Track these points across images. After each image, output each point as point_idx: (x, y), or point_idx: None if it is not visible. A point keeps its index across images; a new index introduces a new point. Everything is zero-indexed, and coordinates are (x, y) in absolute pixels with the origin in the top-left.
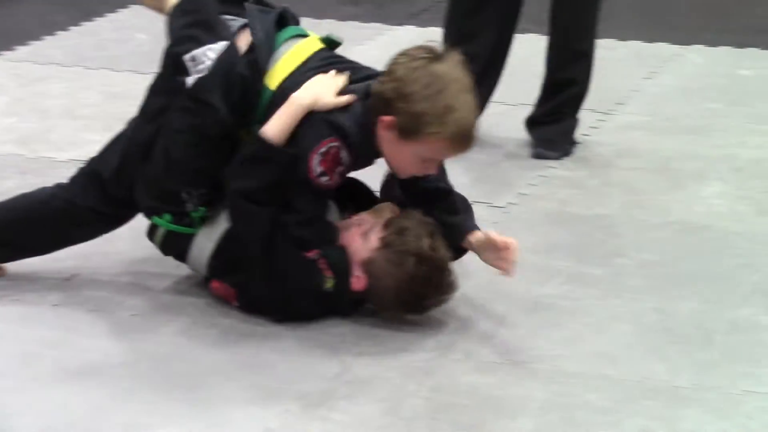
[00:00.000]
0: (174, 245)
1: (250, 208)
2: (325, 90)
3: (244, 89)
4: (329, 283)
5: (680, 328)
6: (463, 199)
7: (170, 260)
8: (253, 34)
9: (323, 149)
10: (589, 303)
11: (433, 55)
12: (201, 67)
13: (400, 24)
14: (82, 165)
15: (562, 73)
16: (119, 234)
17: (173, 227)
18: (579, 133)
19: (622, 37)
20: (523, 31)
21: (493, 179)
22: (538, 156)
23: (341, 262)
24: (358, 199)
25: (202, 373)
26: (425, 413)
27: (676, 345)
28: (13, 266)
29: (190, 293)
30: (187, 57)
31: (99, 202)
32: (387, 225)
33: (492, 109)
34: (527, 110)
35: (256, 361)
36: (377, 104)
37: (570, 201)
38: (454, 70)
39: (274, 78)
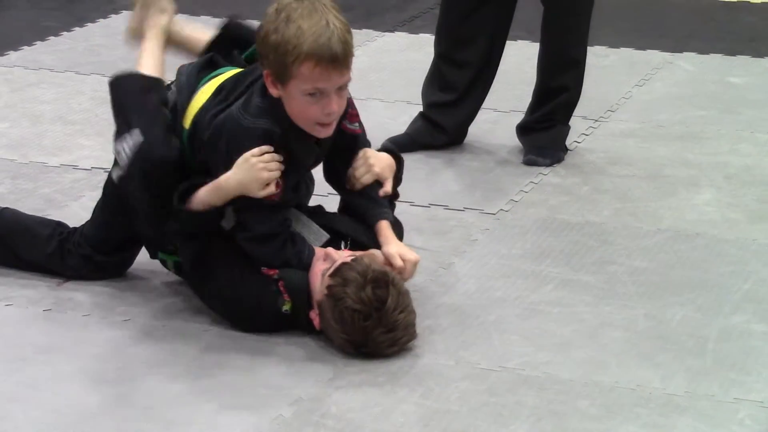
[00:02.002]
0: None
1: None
2: (253, 183)
3: (163, 171)
4: (286, 306)
5: (672, 336)
6: (395, 222)
7: (162, 266)
8: (177, 80)
9: None
10: (580, 309)
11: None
12: (122, 162)
13: (392, 30)
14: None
15: (553, 81)
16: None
17: (176, 258)
18: (570, 140)
19: (614, 45)
20: (515, 38)
21: (485, 186)
22: (529, 163)
23: (300, 287)
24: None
25: (195, 378)
26: (417, 419)
27: (668, 352)
28: (5, 272)
29: (182, 298)
30: (115, 152)
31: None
32: (335, 273)
33: (483, 116)
34: (519, 117)
35: (249, 366)
36: (261, 65)
37: (561, 208)
38: (303, 0)
39: (188, 116)
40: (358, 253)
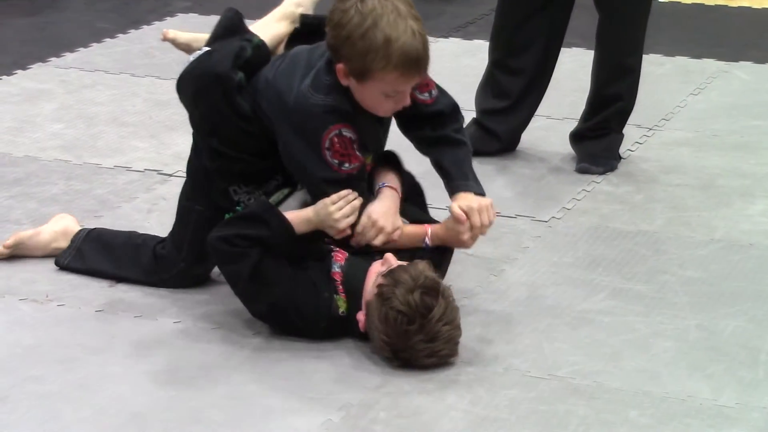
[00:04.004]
0: None
1: (232, 251)
2: (329, 229)
3: (217, 88)
4: (342, 307)
5: (724, 347)
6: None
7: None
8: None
9: (326, 144)
10: (632, 319)
11: None
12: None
13: (446, 36)
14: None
15: (608, 88)
16: None
17: None
18: (624, 149)
19: (669, 53)
20: (570, 45)
21: (537, 193)
22: (582, 171)
23: (357, 288)
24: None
25: (244, 382)
26: (465, 426)
27: (720, 363)
28: (57, 272)
29: (232, 302)
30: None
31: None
32: (388, 274)
33: (537, 123)
34: (572, 125)
35: (298, 372)
36: (331, 56)
37: (614, 216)
38: (384, 1)
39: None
40: (419, 262)
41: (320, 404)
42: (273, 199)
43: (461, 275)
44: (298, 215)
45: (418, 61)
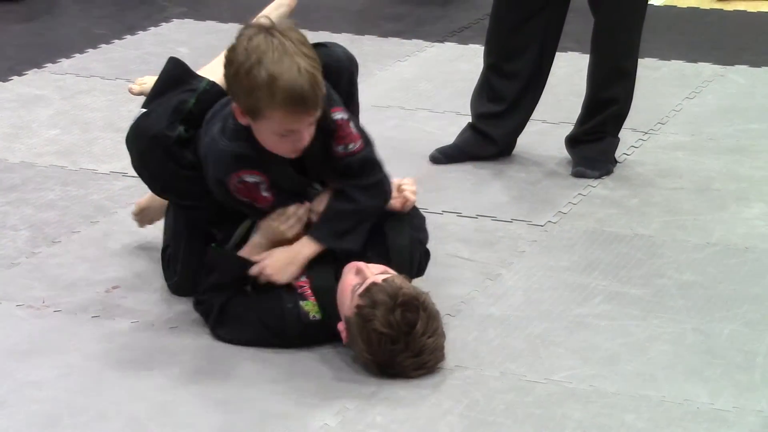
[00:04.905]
0: None
1: (200, 310)
2: (281, 242)
3: (157, 148)
4: (313, 311)
5: (721, 350)
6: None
7: None
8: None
9: (232, 188)
10: (628, 323)
11: (253, 31)
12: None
13: (441, 41)
14: None
15: (603, 92)
16: (159, 247)
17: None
18: (620, 153)
19: (665, 57)
20: (565, 50)
21: (533, 197)
22: (578, 175)
23: (326, 288)
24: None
25: (241, 386)
26: (462, 431)
27: (716, 367)
28: (53, 278)
29: None
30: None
31: None
32: (364, 292)
33: (532, 127)
34: (568, 129)
35: (294, 377)
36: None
37: (610, 220)
38: (271, 38)
39: None
40: (391, 271)
41: (317, 409)
42: (238, 232)
43: (457, 279)
44: (250, 245)
45: (303, 98)
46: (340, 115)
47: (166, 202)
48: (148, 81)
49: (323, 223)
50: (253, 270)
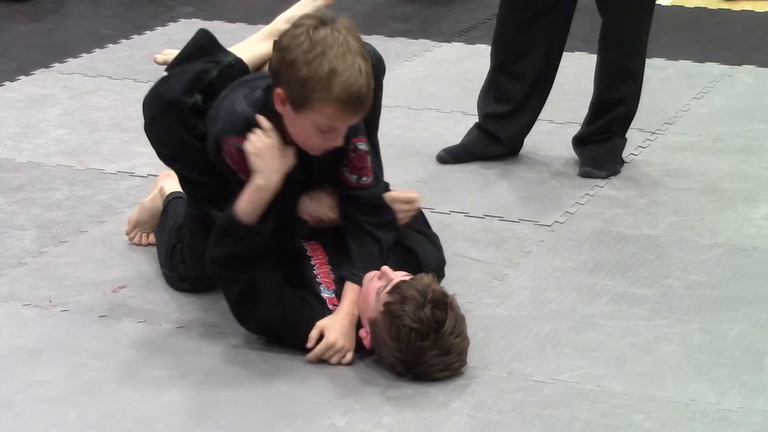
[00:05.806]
0: None
1: (223, 274)
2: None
3: (172, 113)
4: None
5: (728, 350)
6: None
7: None
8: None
9: (225, 148)
10: (635, 323)
11: (317, 22)
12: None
13: (449, 41)
14: None
15: (611, 92)
16: None
17: None
18: (627, 153)
19: (672, 57)
20: (572, 50)
21: (541, 198)
22: (585, 175)
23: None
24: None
25: (248, 386)
26: (469, 431)
27: (723, 367)
28: (60, 277)
29: None
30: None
31: None
32: (393, 290)
33: (540, 127)
34: (575, 129)
35: (302, 376)
36: (272, 80)
37: (617, 220)
38: (337, 33)
39: None
40: (423, 275)
41: (324, 409)
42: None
43: (464, 279)
44: (244, 200)
45: (359, 98)
46: (363, 146)
47: (157, 212)
48: (174, 52)
49: (360, 270)
50: (320, 348)
